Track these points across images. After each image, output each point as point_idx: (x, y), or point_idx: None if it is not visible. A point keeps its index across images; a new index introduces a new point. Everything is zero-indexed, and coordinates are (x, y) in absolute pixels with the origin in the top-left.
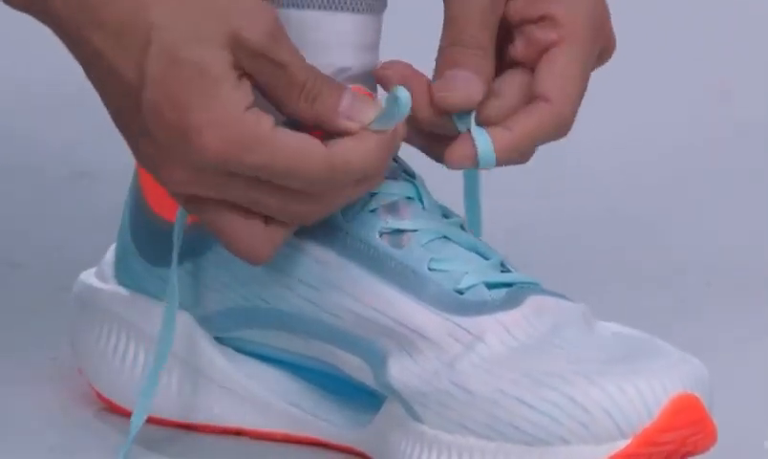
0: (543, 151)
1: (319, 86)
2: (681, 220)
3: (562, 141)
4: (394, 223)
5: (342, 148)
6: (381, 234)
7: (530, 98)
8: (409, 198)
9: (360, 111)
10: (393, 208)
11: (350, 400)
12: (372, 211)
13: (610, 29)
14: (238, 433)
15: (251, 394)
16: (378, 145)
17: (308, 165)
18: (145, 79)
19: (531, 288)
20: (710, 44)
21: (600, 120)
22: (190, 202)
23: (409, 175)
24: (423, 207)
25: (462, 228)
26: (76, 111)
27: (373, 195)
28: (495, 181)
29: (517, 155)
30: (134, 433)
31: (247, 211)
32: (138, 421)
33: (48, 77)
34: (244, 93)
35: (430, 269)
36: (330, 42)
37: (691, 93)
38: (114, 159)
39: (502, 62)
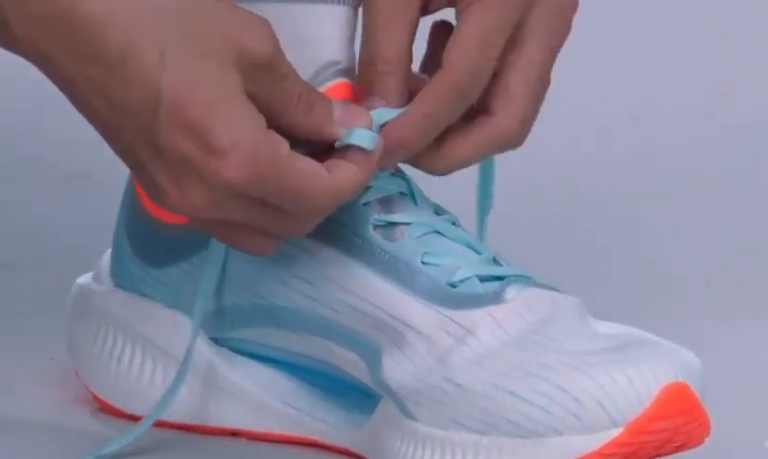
0: (542, 152)
1: (314, 96)
2: (681, 220)
3: (558, 141)
4: (387, 216)
5: (345, 176)
6: (374, 227)
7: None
8: (402, 194)
9: (353, 120)
10: (386, 202)
11: (346, 400)
12: (365, 205)
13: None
14: (234, 434)
15: (247, 395)
16: (372, 167)
17: (315, 194)
18: (160, 103)
19: (524, 281)
20: (710, 45)
21: (600, 119)
22: (204, 224)
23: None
24: (416, 203)
25: (454, 224)
26: (76, 111)
27: (367, 189)
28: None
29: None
30: (128, 440)
31: (248, 229)
32: (139, 431)
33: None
34: (258, 113)
35: (423, 262)
36: (320, 35)
37: (691, 93)
38: (114, 159)
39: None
